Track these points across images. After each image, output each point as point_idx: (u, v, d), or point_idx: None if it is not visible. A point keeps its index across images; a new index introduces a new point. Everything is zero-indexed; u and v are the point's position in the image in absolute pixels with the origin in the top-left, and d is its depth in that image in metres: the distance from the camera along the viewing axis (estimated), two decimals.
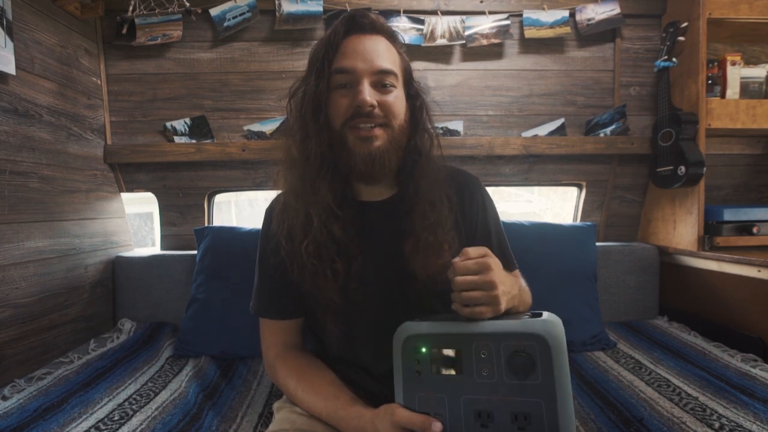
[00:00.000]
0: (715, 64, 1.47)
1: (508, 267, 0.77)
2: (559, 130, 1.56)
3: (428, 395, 0.55)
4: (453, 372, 0.55)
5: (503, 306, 0.56)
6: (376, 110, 0.65)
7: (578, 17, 1.52)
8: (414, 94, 0.73)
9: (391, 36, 0.70)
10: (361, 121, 0.65)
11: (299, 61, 1.51)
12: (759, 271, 1.20)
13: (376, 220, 0.72)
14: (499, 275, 0.56)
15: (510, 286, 0.60)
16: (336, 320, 0.68)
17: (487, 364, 0.53)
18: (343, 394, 0.67)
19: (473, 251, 0.57)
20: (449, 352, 0.55)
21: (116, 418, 0.86)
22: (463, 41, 1.49)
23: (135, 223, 3.41)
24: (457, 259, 0.56)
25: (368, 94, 0.64)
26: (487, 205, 0.80)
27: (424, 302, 0.69)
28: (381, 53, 0.66)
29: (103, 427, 0.83)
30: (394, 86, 0.67)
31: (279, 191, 0.75)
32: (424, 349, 0.56)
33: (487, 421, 0.52)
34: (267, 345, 0.77)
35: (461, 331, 0.55)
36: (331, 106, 0.66)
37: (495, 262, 0.56)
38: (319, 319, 0.70)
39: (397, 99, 0.68)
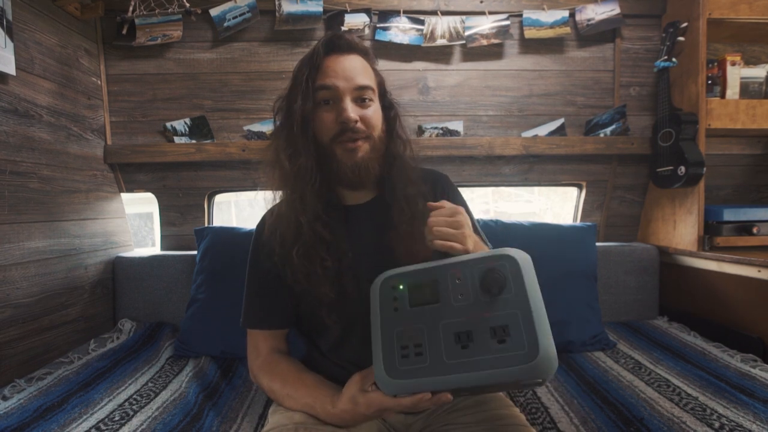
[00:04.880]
0: (715, 64, 1.48)
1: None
2: (559, 130, 1.56)
3: (406, 328, 0.56)
4: (431, 302, 0.57)
5: (471, 246, 0.62)
6: (359, 124, 0.71)
7: (578, 17, 1.52)
8: (388, 105, 0.80)
9: (366, 54, 0.77)
10: (347, 136, 0.71)
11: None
12: (759, 271, 1.20)
13: (361, 221, 0.78)
14: (467, 221, 0.64)
15: (476, 238, 0.68)
16: (332, 315, 0.72)
17: (462, 289, 0.56)
18: (324, 386, 0.72)
19: (447, 202, 0.66)
20: (425, 284, 0.58)
21: (116, 418, 0.86)
22: (463, 41, 1.49)
23: (135, 223, 3.41)
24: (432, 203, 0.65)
25: (351, 111, 0.70)
26: (458, 197, 0.88)
27: None
28: (359, 71, 0.73)
29: (103, 428, 0.83)
30: (372, 100, 0.74)
31: (271, 205, 0.81)
32: (401, 287, 0.59)
33: (467, 342, 0.52)
34: (253, 354, 0.80)
35: (435, 264, 0.59)
36: (317, 122, 0.72)
37: (465, 215, 0.64)
38: (318, 317, 0.73)
39: (375, 112, 0.75)
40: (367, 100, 0.73)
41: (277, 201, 0.78)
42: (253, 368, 0.79)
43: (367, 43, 1.38)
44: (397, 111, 0.81)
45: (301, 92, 0.71)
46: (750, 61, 1.56)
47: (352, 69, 0.72)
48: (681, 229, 1.46)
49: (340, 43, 0.74)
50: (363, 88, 0.72)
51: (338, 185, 0.77)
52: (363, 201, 0.80)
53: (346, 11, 1.47)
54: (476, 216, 0.94)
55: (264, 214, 0.84)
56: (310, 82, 0.71)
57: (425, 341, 0.54)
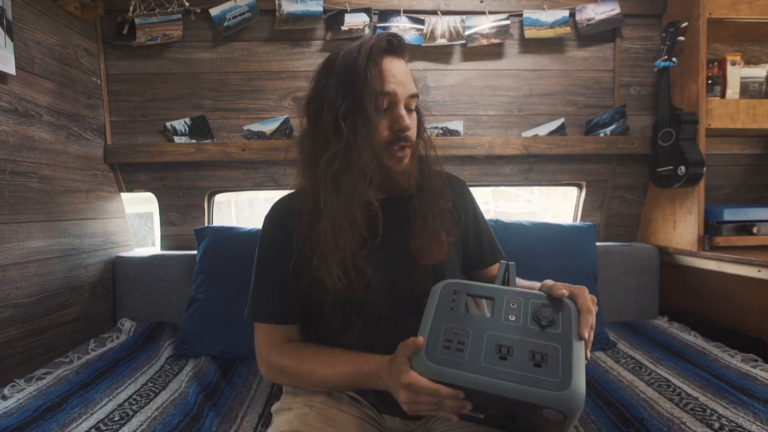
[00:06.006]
0: (715, 64, 1.47)
1: (496, 257, 0.88)
2: (559, 130, 1.56)
3: (455, 326, 0.58)
4: (483, 313, 0.60)
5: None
6: (409, 132, 0.71)
7: (578, 17, 1.52)
8: (417, 110, 0.79)
9: (407, 56, 0.76)
10: (399, 145, 0.71)
11: (299, 61, 1.51)
12: (759, 271, 1.20)
13: (382, 215, 0.75)
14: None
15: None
16: (341, 314, 0.70)
17: (515, 312, 0.59)
18: (362, 353, 0.69)
19: (589, 295, 0.61)
20: (483, 297, 0.62)
21: (116, 418, 0.86)
22: (463, 41, 1.49)
23: (135, 223, 3.41)
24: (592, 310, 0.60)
25: (407, 119, 0.70)
26: (474, 204, 0.89)
27: (426, 287, 0.70)
28: (410, 77, 0.72)
29: (103, 428, 0.83)
30: (413, 109, 0.74)
31: (280, 196, 0.78)
32: (461, 293, 0.63)
33: (506, 355, 0.54)
34: (266, 346, 0.76)
35: (498, 287, 0.63)
36: (373, 126, 0.69)
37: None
38: (327, 314, 0.71)
39: (416, 120, 0.75)
40: (413, 108, 0.73)
41: (301, 197, 0.75)
42: (269, 357, 0.75)
43: None
44: (422, 112, 0.80)
45: (367, 93, 0.67)
46: (750, 61, 1.56)
47: (406, 75, 0.71)
48: (681, 229, 1.46)
49: (396, 45, 0.71)
50: (414, 96, 0.72)
51: (376, 189, 0.73)
52: (383, 196, 0.77)
53: (346, 11, 1.47)
54: None
55: (275, 205, 0.80)
56: (369, 82, 0.67)
57: (468, 341, 0.56)
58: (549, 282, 0.62)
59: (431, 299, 0.63)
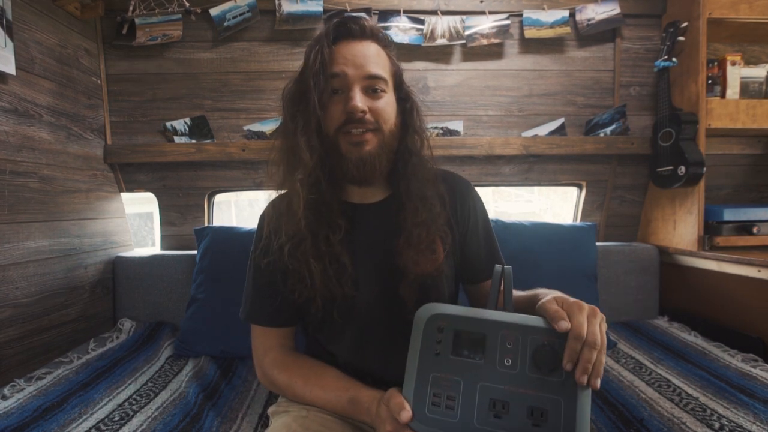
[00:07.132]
0: (715, 64, 1.47)
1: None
2: (559, 130, 1.56)
3: (443, 376, 0.53)
4: (474, 357, 0.53)
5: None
6: (367, 116, 0.67)
7: (578, 17, 1.52)
8: (404, 97, 0.75)
9: (382, 40, 0.72)
10: (353, 126, 0.67)
11: (299, 61, 1.48)
12: (759, 271, 1.20)
13: (369, 221, 0.74)
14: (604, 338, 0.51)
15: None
16: (329, 318, 0.69)
17: (510, 355, 0.52)
18: (353, 382, 0.68)
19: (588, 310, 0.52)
20: (473, 335, 0.54)
21: (116, 418, 0.86)
22: (463, 41, 1.49)
23: (135, 223, 3.41)
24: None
25: (359, 100, 0.66)
26: (478, 207, 0.82)
27: (416, 300, 0.69)
28: (371, 59, 0.68)
29: (103, 428, 0.83)
30: (384, 91, 0.69)
31: (273, 197, 0.76)
32: (447, 330, 0.55)
33: (501, 412, 0.50)
34: (262, 351, 0.76)
35: (489, 317, 0.54)
36: (325, 112, 0.68)
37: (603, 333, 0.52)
38: (317, 318, 0.70)
39: (387, 104, 0.70)
40: (379, 91, 0.68)
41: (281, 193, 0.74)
42: (263, 363, 0.75)
43: None
44: (415, 103, 0.75)
45: (311, 79, 0.66)
46: (750, 61, 1.56)
47: (364, 56, 0.67)
48: (681, 229, 1.46)
49: (353, 29, 0.69)
50: (374, 77, 0.67)
51: (345, 181, 0.73)
52: (373, 200, 0.75)
53: (346, 11, 1.46)
54: None
55: (266, 207, 0.79)
56: (320, 69, 0.66)
57: (459, 396, 0.52)
58: (548, 305, 0.53)
59: (415, 337, 0.56)
